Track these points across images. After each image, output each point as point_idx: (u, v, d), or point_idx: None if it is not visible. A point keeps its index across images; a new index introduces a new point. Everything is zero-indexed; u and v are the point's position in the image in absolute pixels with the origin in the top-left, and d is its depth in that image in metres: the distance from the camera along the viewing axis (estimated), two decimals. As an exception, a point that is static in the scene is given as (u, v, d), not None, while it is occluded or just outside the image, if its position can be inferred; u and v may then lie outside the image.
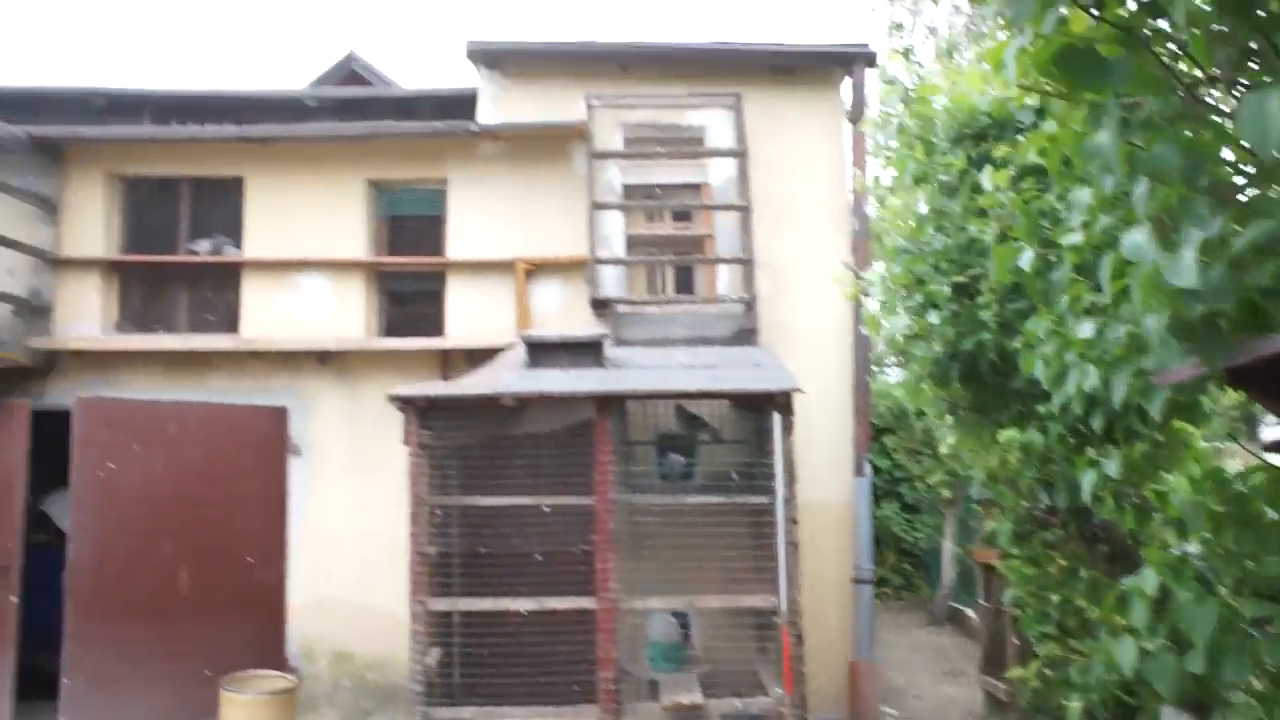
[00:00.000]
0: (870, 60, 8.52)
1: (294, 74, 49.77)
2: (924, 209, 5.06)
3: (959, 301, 4.82)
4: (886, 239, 5.33)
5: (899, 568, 14.96)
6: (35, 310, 8.68)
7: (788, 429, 6.85)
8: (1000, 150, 4.30)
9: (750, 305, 8.14)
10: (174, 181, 9.06)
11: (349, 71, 13.08)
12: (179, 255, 8.98)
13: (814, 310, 8.51)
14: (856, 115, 8.52)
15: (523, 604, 6.63)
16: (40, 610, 8.21)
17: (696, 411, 7.81)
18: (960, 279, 4.81)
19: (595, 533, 6.76)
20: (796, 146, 8.60)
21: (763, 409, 6.95)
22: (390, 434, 8.21)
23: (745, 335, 8.19)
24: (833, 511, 8.39)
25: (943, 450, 7.49)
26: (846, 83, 8.78)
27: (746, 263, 8.11)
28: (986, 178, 4.35)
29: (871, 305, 6.16)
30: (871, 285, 5.47)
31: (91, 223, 8.86)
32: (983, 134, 4.93)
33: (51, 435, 8.60)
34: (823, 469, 8.31)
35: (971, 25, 14.71)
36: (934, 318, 4.78)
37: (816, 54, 8.66)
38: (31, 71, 49.08)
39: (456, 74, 46.27)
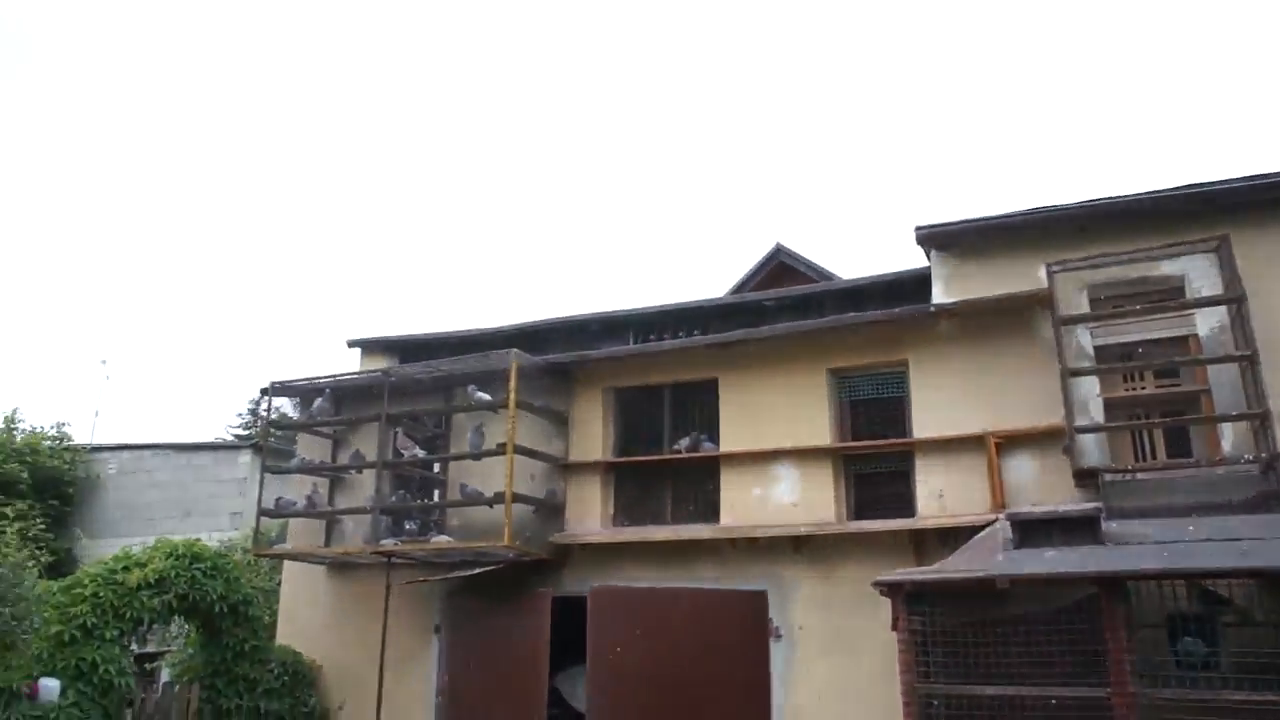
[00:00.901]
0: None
1: (724, 267, 54.44)
2: None
3: None
4: None
5: None
6: (551, 509, 10.05)
7: (1355, 612, 5.81)
8: None
9: (1271, 465, 7.15)
10: (657, 388, 10.22)
11: (778, 262, 14.10)
12: (663, 454, 9.97)
13: (1351, 465, 7.25)
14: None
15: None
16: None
17: (1217, 589, 6.89)
18: None
19: (1113, 730, 6.12)
20: (1302, 282, 7.64)
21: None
22: (867, 617, 8.26)
23: (1269, 499, 7.16)
24: None
25: None
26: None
27: (1261, 416, 7.19)
28: None
29: None
30: None
31: (592, 431, 10.23)
32: None
33: (556, 618, 9.73)
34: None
35: None
36: None
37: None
38: (536, 306, 58.84)
39: (881, 250, 47.67)
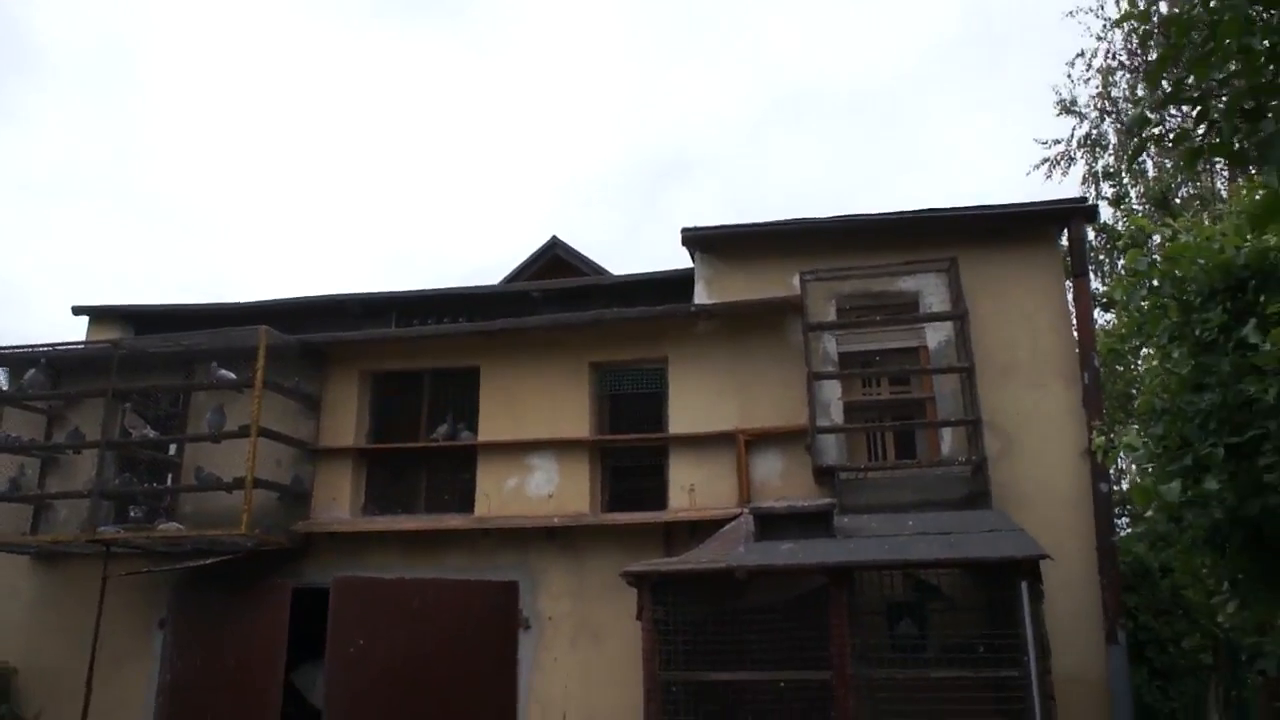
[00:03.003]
0: (1089, 214, 8.41)
1: (498, 257, 53.94)
2: (1182, 368, 4.85)
3: (1236, 464, 4.53)
4: (1143, 399, 5.12)
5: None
6: (296, 496, 9.50)
7: (1036, 597, 6.50)
8: (1275, 306, 4.11)
9: (980, 467, 7.89)
10: (417, 374, 9.91)
11: (552, 255, 14.05)
12: (419, 442, 9.68)
13: (1046, 469, 8.15)
14: (1078, 269, 8.37)
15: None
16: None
17: (929, 578, 7.53)
18: (1235, 439, 4.53)
19: (834, 709, 6.54)
20: (1016, 304, 8.49)
21: (1004, 576, 6.64)
22: (614, 607, 8.39)
23: (977, 498, 7.91)
24: (1085, 683, 7.70)
25: (1220, 619, 6.82)
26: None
27: (974, 423, 7.92)
28: (1253, 332, 4.16)
29: (1125, 467, 5.85)
30: (1130, 448, 5.22)
31: (345, 416, 9.75)
32: (1240, 286, 4.75)
33: (295, 611, 9.22)
34: (1069, 638, 7.68)
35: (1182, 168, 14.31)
36: (1211, 483, 4.49)
37: (1032, 213, 8.64)
38: (292, 282, 55.47)
39: (647, 249, 48.78)
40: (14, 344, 9.97)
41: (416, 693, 8.69)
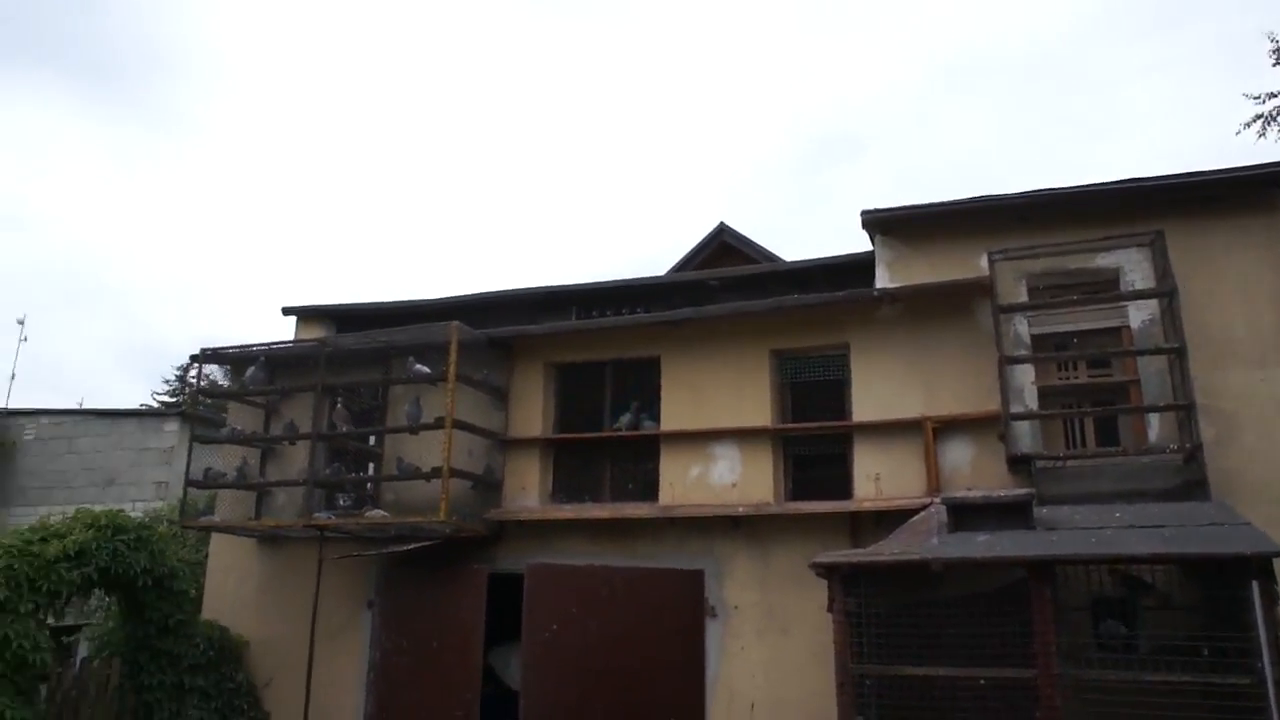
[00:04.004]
0: (1318, 176, 7.66)
1: (663, 245, 54.45)
2: None
3: None
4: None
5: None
6: (488, 485, 9.94)
7: (1271, 598, 6.01)
8: None
9: (1194, 455, 7.36)
10: (599, 365, 10.15)
11: (720, 242, 14.06)
12: (603, 431, 9.92)
13: (1271, 458, 7.52)
14: (1305, 238, 7.67)
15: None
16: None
17: (1141, 574, 7.10)
18: None
19: (1039, 709, 6.28)
20: (1230, 278, 7.87)
21: (1232, 574, 6.18)
22: (801, 597, 8.36)
23: (1191, 488, 7.40)
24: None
25: None
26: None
27: (1186, 407, 7.40)
28: None
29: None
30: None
31: (531, 407, 10.12)
32: None
33: (489, 595, 9.66)
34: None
35: None
36: None
37: (1250, 177, 7.95)
38: (471, 278, 58.08)
39: (813, 231, 48.01)
40: (232, 344, 10.83)
41: (606, 677, 8.96)
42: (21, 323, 20.79)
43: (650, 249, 54.83)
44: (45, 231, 51.80)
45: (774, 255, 12.81)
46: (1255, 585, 5.91)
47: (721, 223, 14.09)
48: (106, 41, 52.96)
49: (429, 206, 60.76)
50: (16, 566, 8.25)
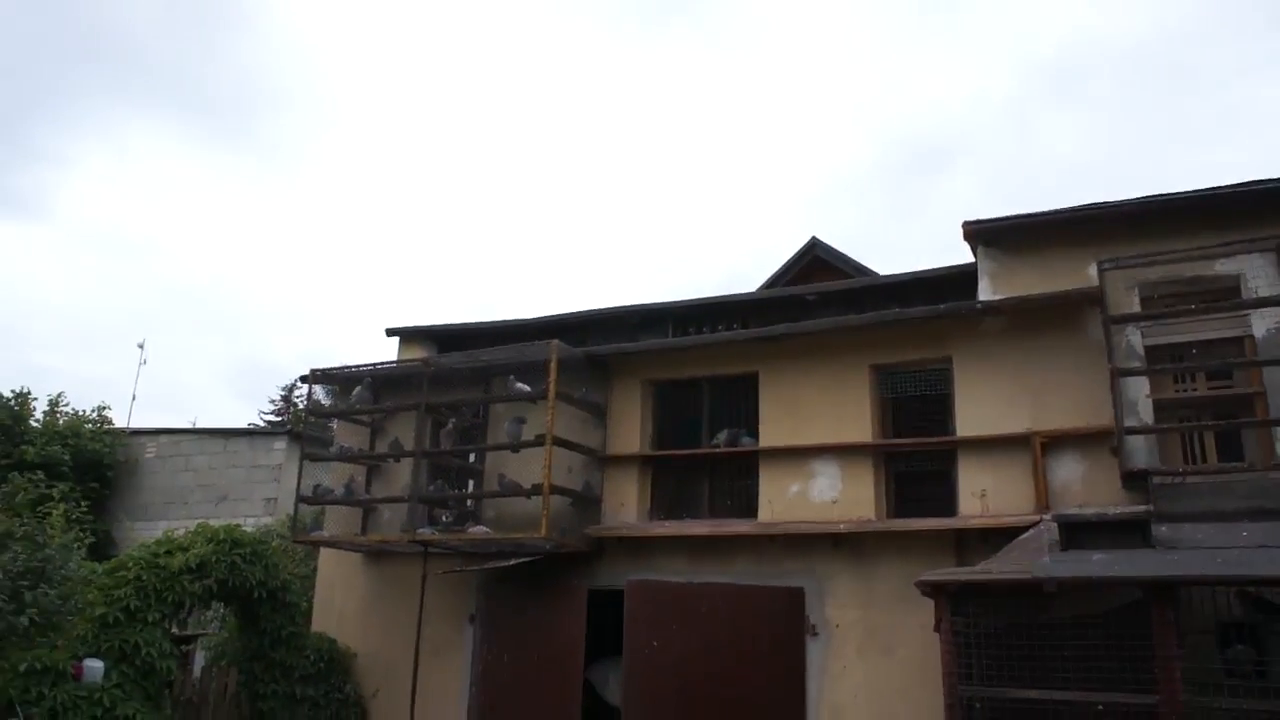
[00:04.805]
0: None
1: (754, 260, 54.33)
2: None
3: None
4: None
5: None
6: (588, 502, 10.03)
7: None
8: None
9: (1326, 470, 6.99)
10: (696, 382, 10.18)
11: (813, 256, 13.94)
12: (701, 448, 9.92)
13: None
14: None
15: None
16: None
17: (1270, 597, 6.74)
18: None
19: (1162, 738, 6.02)
20: (1362, 283, 7.45)
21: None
22: (904, 616, 8.18)
23: (1323, 506, 7.00)
24: None
25: None
26: None
27: (1317, 421, 7.03)
28: None
29: None
30: None
31: (629, 424, 10.19)
32: None
33: (591, 611, 9.71)
34: None
35: None
36: None
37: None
38: (578, 297, 59.04)
39: (906, 243, 47.22)
40: (337, 364, 11.20)
41: (706, 694, 8.92)
42: (142, 346, 21.89)
43: (742, 264, 54.72)
44: (162, 258, 54.55)
45: (866, 269, 12.67)
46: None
47: (813, 237, 13.98)
48: (224, 79, 55.67)
49: (527, 227, 61.93)
50: (145, 578, 8.69)
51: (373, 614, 11.01)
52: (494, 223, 61.46)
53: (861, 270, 12.68)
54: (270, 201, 59.38)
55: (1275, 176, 7.89)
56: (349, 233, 59.23)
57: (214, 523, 10.12)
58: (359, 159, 60.79)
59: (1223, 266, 7.92)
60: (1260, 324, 7.75)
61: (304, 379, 11.57)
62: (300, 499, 11.01)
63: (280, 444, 16.92)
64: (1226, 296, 7.90)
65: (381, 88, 59.29)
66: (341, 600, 11.31)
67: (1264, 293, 7.68)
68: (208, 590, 9.18)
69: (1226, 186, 7.98)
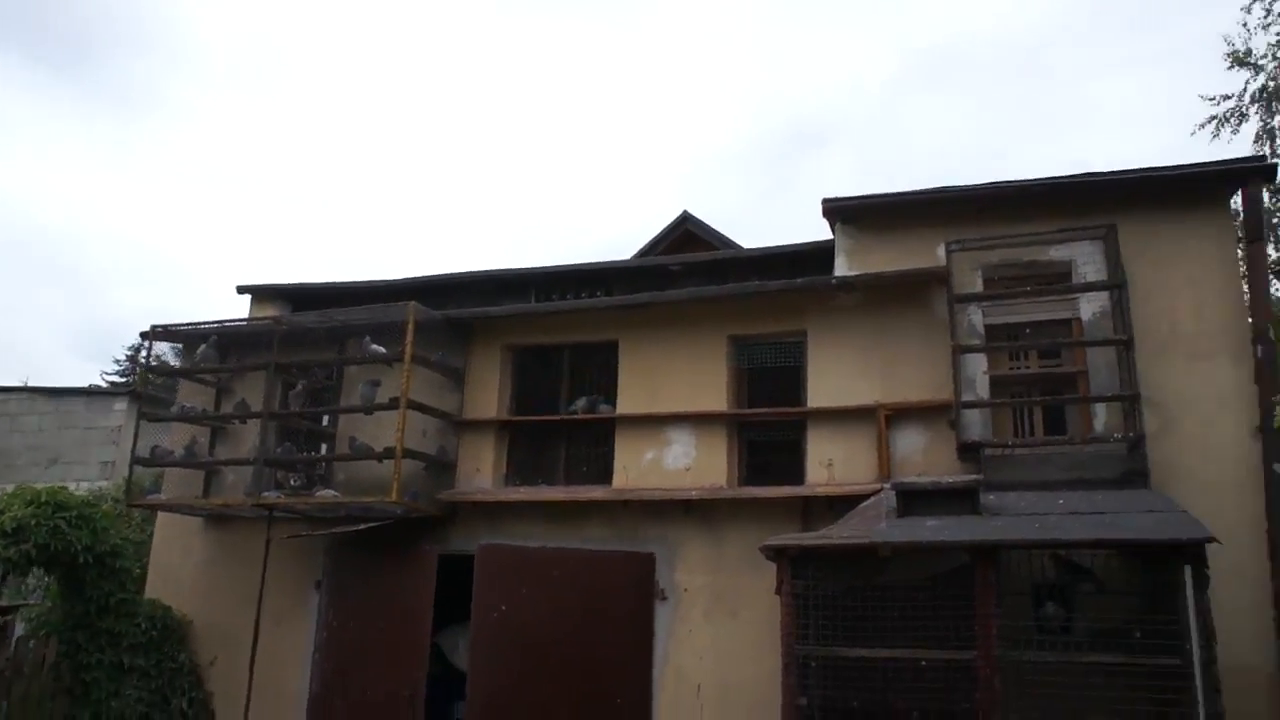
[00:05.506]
0: (1269, 174, 7.81)
1: (627, 231, 54.45)
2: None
3: None
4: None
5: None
6: (442, 466, 9.86)
7: (1202, 583, 6.14)
8: None
9: (1137, 445, 7.50)
10: (557, 348, 10.12)
11: (684, 230, 14.08)
12: (559, 415, 9.88)
13: (1211, 449, 7.67)
14: (1253, 234, 7.81)
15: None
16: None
17: (1080, 560, 7.22)
18: None
19: (978, 690, 6.37)
20: (1180, 273, 7.99)
21: (1163, 559, 6.30)
22: (750, 580, 8.39)
23: (1133, 477, 7.53)
24: (1252, 675, 7.23)
25: None
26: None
27: (1131, 398, 7.53)
28: None
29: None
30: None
31: (488, 389, 10.06)
32: None
33: (440, 576, 9.58)
34: (1236, 629, 7.19)
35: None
36: None
37: (1203, 174, 8.07)
38: (431, 259, 57.66)
39: (778, 220, 48.22)
40: (184, 321, 10.64)
41: (554, 658, 8.93)
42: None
43: (614, 237, 54.78)
44: (-4, 209, 50.63)
45: (734, 243, 12.85)
46: (1187, 570, 6.03)
47: (685, 211, 14.11)
48: (68, 19, 51.85)
49: (389, 189, 60.21)
50: (-50, 542, 8.04)
51: (212, 580, 10.54)
52: (360, 184, 59.54)
53: (730, 245, 12.85)
54: (119, 151, 55.85)
55: (1104, 170, 8.39)
56: (205, 188, 56.31)
57: (39, 485, 9.46)
58: (215, 108, 57.85)
59: (1056, 252, 8.38)
60: (1087, 307, 8.25)
61: (145, 335, 10.94)
62: (136, 460, 10.46)
63: (121, 405, 15.97)
64: (1059, 280, 8.37)
65: (242, 31, 56.54)
66: (179, 566, 10.78)
67: (1092, 278, 8.17)
68: (25, 556, 8.56)
69: (1062, 176, 8.43)
